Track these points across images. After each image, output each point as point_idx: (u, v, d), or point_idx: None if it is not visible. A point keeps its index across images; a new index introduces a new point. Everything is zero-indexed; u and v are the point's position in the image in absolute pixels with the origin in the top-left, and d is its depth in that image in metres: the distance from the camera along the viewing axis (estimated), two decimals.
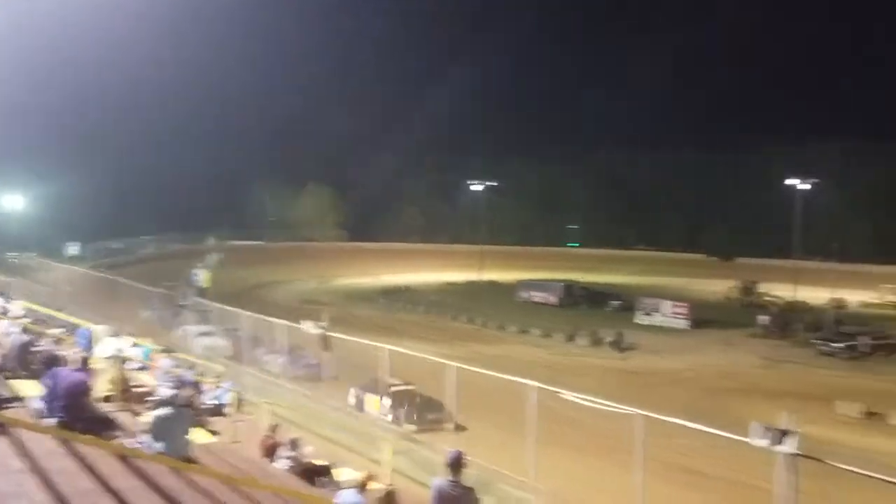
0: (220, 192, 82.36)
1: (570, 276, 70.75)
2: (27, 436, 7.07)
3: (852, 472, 13.18)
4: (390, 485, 12.57)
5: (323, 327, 24.86)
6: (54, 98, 66.03)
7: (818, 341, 43.08)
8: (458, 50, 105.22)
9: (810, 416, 26.15)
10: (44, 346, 14.90)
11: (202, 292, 38.34)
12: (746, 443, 13.03)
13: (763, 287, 64.46)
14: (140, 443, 8.59)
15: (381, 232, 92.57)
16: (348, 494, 9.48)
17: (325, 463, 14.03)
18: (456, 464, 8.19)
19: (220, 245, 69.65)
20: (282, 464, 13.21)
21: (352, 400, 24.97)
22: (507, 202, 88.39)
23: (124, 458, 7.28)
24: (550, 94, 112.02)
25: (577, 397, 17.33)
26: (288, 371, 27.05)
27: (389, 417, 23.24)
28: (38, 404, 9.33)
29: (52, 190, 59.48)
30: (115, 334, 19.55)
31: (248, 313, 28.95)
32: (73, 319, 21.74)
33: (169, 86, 75.31)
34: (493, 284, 73.41)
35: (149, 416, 9.32)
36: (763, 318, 49.21)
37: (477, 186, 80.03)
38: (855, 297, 62.37)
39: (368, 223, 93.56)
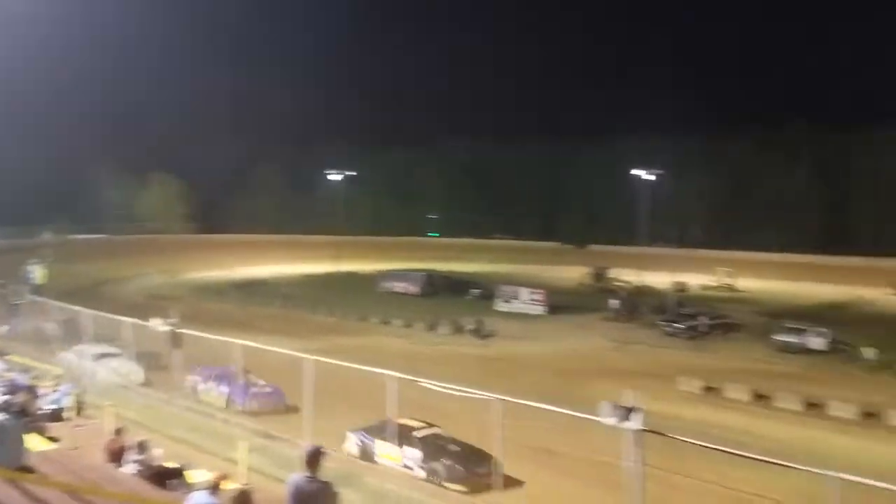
0: (56, 182, 76.65)
1: (430, 266, 71.76)
2: None
3: (691, 443, 14.38)
4: (246, 484, 12.35)
5: (172, 324, 23.79)
6: None
7: (662, 323, 46.28)
8: (311, 36, 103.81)
9: (655, 393, 28.11)
10: None
11: (37, 289, 35.80)
12: (599, 421, 13.90)
13: (613, 273, 68.44)
14: None
15: (233, 223, 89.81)
16: (200, 496, 9.23)
17: (177, 465, 13.57)
18: (313, 459, 8.19)
19: (57, 239, 65.01)
20: (129, 468, 12.66)
21: (353, 448, 19.94)
22: (364, 192, 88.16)
23: None
24: (403, 81, 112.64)
25: (437, 385, 17.75)
26: (236, 403, 23.90)
27: (421, 473, 18.46)
28: None
29: None
30: None
31: (89, 311, 27.32)
32: None
33: None
34: (352, 275, 73.16)
35: None
36: (613, 303, 52.17)
37: (334, 175, 79.29)
38: (695, 281, 67.37)
39: (219, 214, 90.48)
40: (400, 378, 17.52)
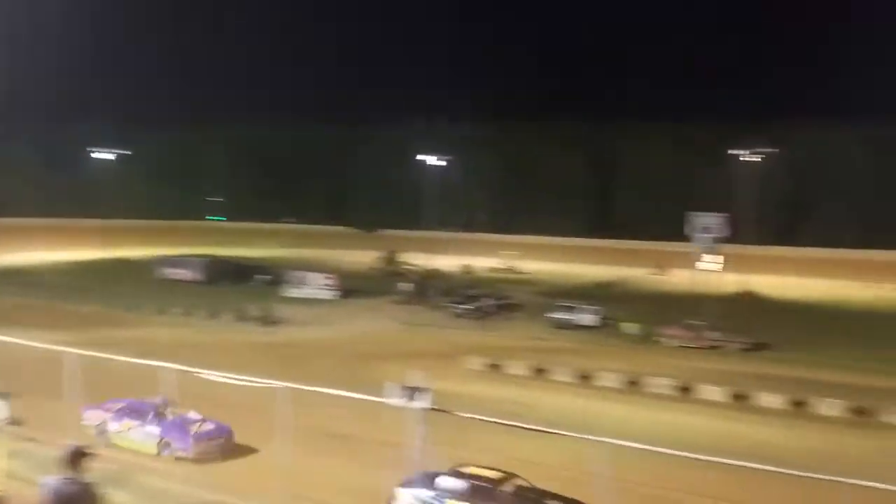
0: None
1: (213, 251, 68.93)
2: None
3: (473, 418, 15.11)
4: (2, 490, 11.18)
5: None
6: None
7: (450, 305, 48.09)
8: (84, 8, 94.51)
9: (443, 372, 29.24)
10: None
11: None
12: (389, 403, 14.18)
13: (403, 257, 69.94)
14: None
15: None
16: None
17: None
18: (75, 459, 7.59)
19: None
20: None
21: None
22: (138, 172, 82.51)
23: None
24: (178, 57, 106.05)
25: (220, 376, 17.11)
26: (176, 449, 18.93)
27: None
28: None
29: None
30: None
31: None
32: None
33: None
34: (124, 262, 68.43)
35: None
36: (404, 286, 53.33)
37: (102, 155, 73.37)
38: (481, 264, 70.66)
39: None
40: (178, 370, 16.70)
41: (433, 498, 14.99)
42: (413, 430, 14.28)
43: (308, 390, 15.20)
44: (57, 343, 19.58)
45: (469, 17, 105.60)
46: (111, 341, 32.33)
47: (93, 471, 7.77)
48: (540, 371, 31.91)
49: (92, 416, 19.81)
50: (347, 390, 15.73)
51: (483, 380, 31.01)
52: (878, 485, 19.00)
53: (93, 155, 73.60)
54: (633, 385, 30.11)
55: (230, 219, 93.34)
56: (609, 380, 30.60)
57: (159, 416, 19.36)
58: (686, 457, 14.50)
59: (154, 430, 19.19)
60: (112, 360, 17.46)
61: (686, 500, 17.73)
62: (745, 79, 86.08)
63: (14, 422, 17.37)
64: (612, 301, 48.81)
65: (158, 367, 16.65)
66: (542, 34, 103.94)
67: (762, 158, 64.68)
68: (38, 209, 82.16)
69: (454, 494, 14.89)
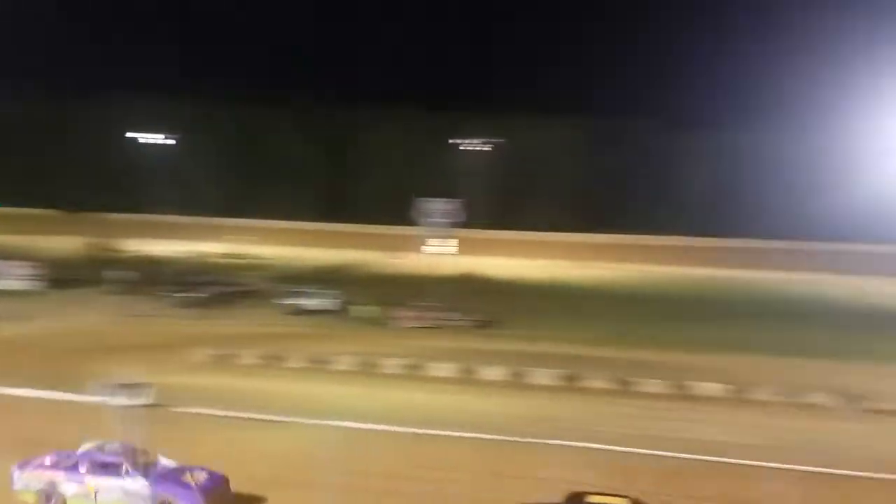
0: None
1: None
2: None
3: (194, 413, 14.45)
4: None
5: None
6: None
7: (172, 293, 45.48)
8: None
9: (167, 366, 27.67)
10: None
11: None
12: (103, 402, 13.04)
13: (117, 242, 64.80)
14: None
15: None
16: None
17: None
18: None
19: None
20: None
21: None
22: None
23: None
24: None
25: None
26: None
27: None
28: None
29: None
30: None
31: None
32: None
33: None
34: None
35: None
36: (120, 274, 49.35)
37: None
38: (210, 249, 67.73)
39: None
40: None
41: None
42: (131, 430, 13.29)
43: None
44: None
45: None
46: None
47: None
48: (273, 359, 31.34)
49: (30, 479, 16.00)
50: (49, 391, 14.22)
51: (212, 371, 29.71)
52: (586, 444, 21.46)
53: None
54: (367, 367, 30.71)
55: None
56: (344, 364, 30.92)
57: (138, 466, 15.57)
58: (414, 433, 15.10)
59: (140, 486, 15.38)
60: None
61: (421, 476, 18.41)
62: (477, 71, 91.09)
63: None
64: (347, 285, 49.34)
65: None
66: (274, 19, 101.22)
67: (491, 148, 69.30)
68: None
69: None
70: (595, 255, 75.19)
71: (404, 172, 78.47)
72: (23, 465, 16.17)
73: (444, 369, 30.25)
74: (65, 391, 14.27)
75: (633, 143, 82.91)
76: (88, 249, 63.80)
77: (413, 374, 30.03)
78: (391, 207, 70.18)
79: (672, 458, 20.93)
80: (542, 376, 29.55)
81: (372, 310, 42.30)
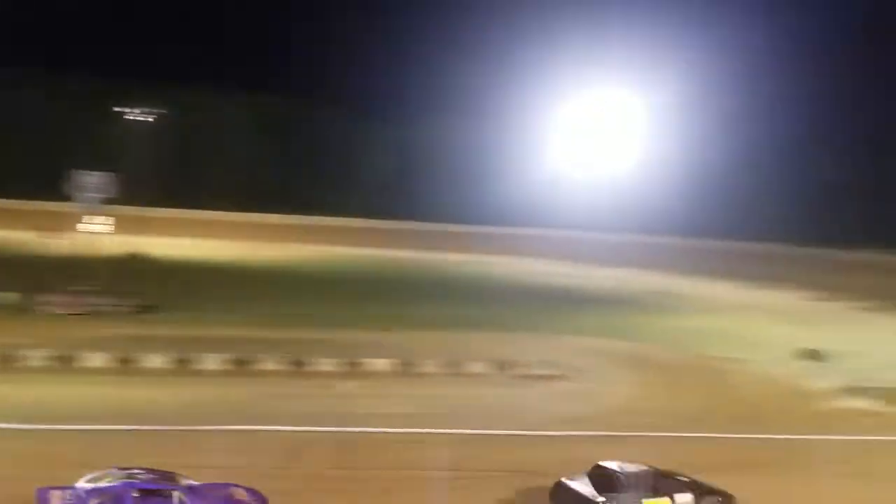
0: None
1: None
2: None
3: None
4: None
5: None
6: None
7: None
8: None
9: None
10: None
11: None
12: None
13: None
14: None
15: None
16: None
17: None
18: None
19: None
20: None
21: None
22: None
23: None
24: None
25: None
26: None
27: None
28: None
29: None
30: None
31: None
32: None
33: None
34: None
35: None
36: None
37: None
38: None
39: None
40: None
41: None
42: None
43: None
44: None
45: None
46: None
47: None
48: None
49: None
50: None
51: None
52: (256, 427, 21.29)
53: None
54: (6, 361, 27.21)
55: None
56: None
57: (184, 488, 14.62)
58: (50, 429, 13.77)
59: None
60: None
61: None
62: (137, 38, 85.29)
63: None
64: None
65: None
66: None
67: (155, 118, 65.16)
68: None
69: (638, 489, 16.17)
70: (268, 236, 75.14)
71: (62, 142, 71.06)
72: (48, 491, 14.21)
73: (99, 359, 27.84)
74: None
75: (311, 125, 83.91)
76: None
77: (62, 367, 27.20)
78: (46, 181, 63.05)
79: (345, 432, 21.57)
80: (211, 361, 28.52)
81: (8, 296, 37.40)
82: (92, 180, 43.02)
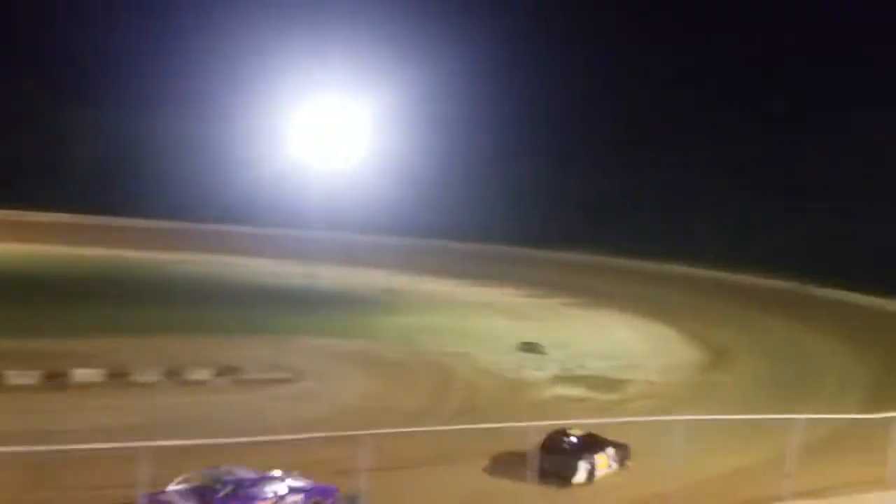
0: None
1: None
2: None
3: None
4: None
5: None
6: None
7: None
8: None
9: None
10: None
11: None
12: None
13: None
14: None
15: None
16: None
17: None
18: None
19: None
20: None
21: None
22: None
23: None
24: None
25: None
26: None
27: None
28: None
29: None
30: None
31: None
32: None
33: None
34: None
35: None
36: None
37: None
38: None
39: None
40: None
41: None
42: None
43: None
44: None
45: None
46: None
47: None
48: None
49: None
50: None
51: None
52: None
53: None
54: None
55: None
56: None
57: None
58: None
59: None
60: None
61: None
62: None
63: None
64: None
65: None
66: None
67: None
68: None
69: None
70: None
71: None
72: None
73: None
74: None
75: (12, 109, 75.70)
76: None
77: None
78: None
79: (43, 452, 19.56)
80: None
81: None
82: None
